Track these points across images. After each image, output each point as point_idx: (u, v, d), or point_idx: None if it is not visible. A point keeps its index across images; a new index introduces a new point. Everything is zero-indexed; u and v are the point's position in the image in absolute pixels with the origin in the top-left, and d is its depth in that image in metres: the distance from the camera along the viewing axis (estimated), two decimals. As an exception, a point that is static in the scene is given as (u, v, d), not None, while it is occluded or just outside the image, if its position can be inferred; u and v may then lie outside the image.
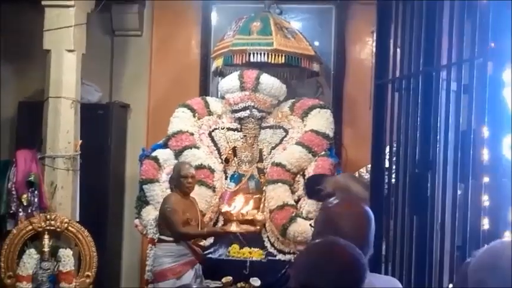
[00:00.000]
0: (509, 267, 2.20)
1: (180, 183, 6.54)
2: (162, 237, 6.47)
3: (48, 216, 6.59)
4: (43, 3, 6.77)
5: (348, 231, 2.69)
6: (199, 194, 6.89)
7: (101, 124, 7.73)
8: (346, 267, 2.26)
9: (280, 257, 6.82)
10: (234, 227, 6.58)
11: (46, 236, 6.57)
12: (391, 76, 4.66)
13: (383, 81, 4.74)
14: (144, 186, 7.03)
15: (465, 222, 3.68)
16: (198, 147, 7.16)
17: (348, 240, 2.41)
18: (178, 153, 7.12)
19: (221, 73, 7.60)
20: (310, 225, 3.15)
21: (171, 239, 6.41)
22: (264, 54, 7.11)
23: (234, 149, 7.28)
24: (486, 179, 3.57)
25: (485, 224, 3.60)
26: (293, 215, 6.71)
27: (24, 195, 6.68)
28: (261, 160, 7.25)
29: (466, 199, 3.69)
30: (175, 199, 6.48)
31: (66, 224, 6.64)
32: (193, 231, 6.52)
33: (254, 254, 6.87)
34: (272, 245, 6.92)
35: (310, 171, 6.88)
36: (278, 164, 6.94)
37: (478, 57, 3.63)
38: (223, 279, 6.59)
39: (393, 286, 2.97)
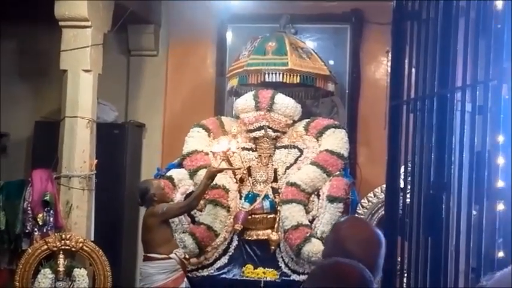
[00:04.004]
0: None
1: (163, 195, 6.58)
2: (152, 255, 6.38)
3: (63, 236, 6.60)
4: (60, 23, 6.80)
5: (357, 253, 2.68)
6: (213, 213, 6.90)
7: (116, 143, 7.78)
8: (351, 284, 2.25)
9: (294, 277, 6.80)
10: (223, 165, 6.73)
11: (61, 256, 6.58)
12: (406, 97, 4.68)
13: (398, 102, 4.75)
14: (159, 206, 7.02)
15: (480, 244, 3.66)
16: (212, 167, 7.17)
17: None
18: (193, 173, 7.11)
19: (236, 93, 7.62)
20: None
21: (161, 256, 6.35)
22: (279, 74, 7.12)
23: (248, 169, 7.27)
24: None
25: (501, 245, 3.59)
26: (307, 235, 6.68)
27: (40, 215, 6.68)
28: (275, 180, 7.22)
29: (480, 220, 3.69)
30: (158, 206, 6.46)
31: (81, 244, 6.64)
32: (197, 191, 6.55)
33: (268, 274, 6.85)
34: (286, 265, 6.89)
35: (324, 191, 6.87)
36: (293, 184, 6.92)
37: (493, 79, 3.63)
38: (238, 299, 6.60)
39: None
